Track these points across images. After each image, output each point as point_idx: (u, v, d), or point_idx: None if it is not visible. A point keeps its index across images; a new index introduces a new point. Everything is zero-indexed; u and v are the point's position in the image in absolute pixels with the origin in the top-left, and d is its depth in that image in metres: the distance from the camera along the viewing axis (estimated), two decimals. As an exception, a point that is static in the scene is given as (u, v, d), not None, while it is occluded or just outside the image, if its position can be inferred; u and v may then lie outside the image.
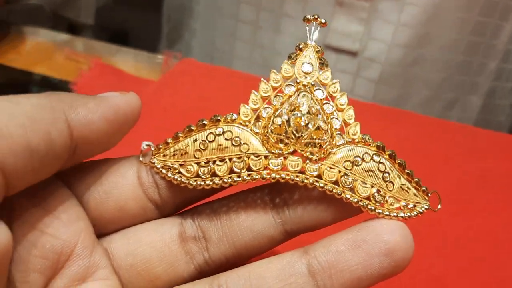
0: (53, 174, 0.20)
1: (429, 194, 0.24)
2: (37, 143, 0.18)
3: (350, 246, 0.21)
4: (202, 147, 0.23)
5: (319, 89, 0.23)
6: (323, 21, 0.24)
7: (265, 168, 0.22)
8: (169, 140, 0.23)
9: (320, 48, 0.24)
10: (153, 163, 0.23)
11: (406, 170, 0.23)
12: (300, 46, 0.24)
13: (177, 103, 0.49)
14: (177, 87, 0.52)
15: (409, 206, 0.23)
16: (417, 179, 0.23)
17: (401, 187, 0.23)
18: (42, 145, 0.18)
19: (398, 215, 0.22)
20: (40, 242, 0.20)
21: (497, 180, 0.45)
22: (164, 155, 0.23)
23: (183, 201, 0.24)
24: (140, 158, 0.23)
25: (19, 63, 0.55)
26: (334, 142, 0.23)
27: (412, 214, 0.23)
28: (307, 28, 0.24)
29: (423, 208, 0.23)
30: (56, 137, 0.19)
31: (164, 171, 0.23)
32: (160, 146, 0.23)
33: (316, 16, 0.24)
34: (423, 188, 0.23)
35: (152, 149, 0.23)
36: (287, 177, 0.22)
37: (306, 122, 0.22)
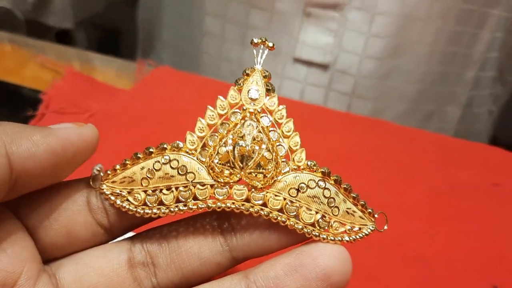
0: None
1: (376, 215, 0.24)
2: None
3: (288, 271, 0.22)
4: (149, 175, 0.23)
5: (265, 116, 0.24)
6: (270, 44, 0.24)
7: (211, 197, 0.23)
8: (117, 166, 0.24)
9: (267, 73, 0.24)
10: (102, 189, 0.23)
11: (352, 194, 0.24)
12: (247, 71, 0.24)
13: (150, 112, 0.49)
14: (150, 96, 0.51)
15: (354, 229, 0.23)
16: (363, 202, 0.24)
17: (346, 211, 0.23)
18: None
19: (343, 239, 0.23)
20: None
21: (469, 190, 0.45)
22: (113, 182, 0.23)
23: (131, 225, 0.24)
24: (91, 183, 0.24)
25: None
26: (279, 170, 0.23)
27: (357, 237, 0.23)
28: (255, 51, 0.24)
29: (369, 230, 0.24)
30: None
31: (113, 197, 0.23)
32: (109, 172, 0.24)
33: (263, 39, 0.24)
34: (369, 210, 0.24)
35: (102, 174, 0.24)
36: (232, 206, 0.23)
37: (251, 151, 0.23)
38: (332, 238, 0.23)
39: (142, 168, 0.23)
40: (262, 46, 0.24)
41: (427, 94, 0.62)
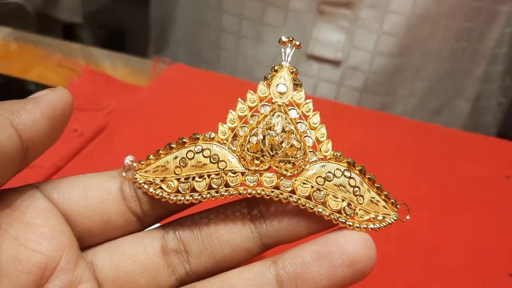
0: (8, 179, 0.21)
1: (398, 206, 0.25)
2: None
3: (316, 258, 0.22)
4: (182, 164, 0.24)
5: (293, 108, 0.25)
6: (297, 43, 0.25)
7: (241, 184, 0.24)
8: (151, 156, 0.25)
9: (294, 69, 0.25)
10: (136, 179, 0.24)
11: (375, 184, 0.25)
12: (276, 68, 0.25)
13: (166, 109, 0.50)
14: (166, 93, 0.53)
15: (378, 218, 0.24)
16: (386, 192, 0.25)
17: (371, 200, 0.24)
18: None
19: (368, 227, 0.24)
20: (25, 257, 0.21)
21: (481, 183, 0.45)
22: (146, 171, 0.24)
23: (164, 213, 0.25)
24: (123, 174, 0.24)
25: (4, 69, 0.55)
26: (307, 159, 0.24)
27: (382, 225, 0.24)
28: (282, 50, 0.25)
29: (392, 219, 0.25)
30: (7, 142, 0.20)
31: (146, 186, 0.24)
32: (142, 162, 0.25)
33: (291, 39, 0.25)
34: (392, 200, 0.25)
35: (135, 164, 0.25)
36: (262, 193, 0.24)
37: (281, 140, 0.24)
38: (358, 225, 0.24)
39: (176, 157, 0.24)
40: (289, 44, 0.25)
41: (436, 89, 0.63)
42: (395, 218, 0.25)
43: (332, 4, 0.58)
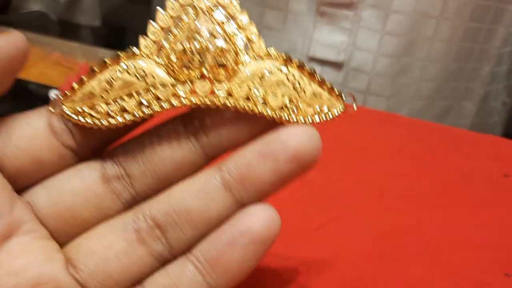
0: None
1: (344, 97, 0.24)
2: None
3: (259, 156, 0.22)
4: (108, 86, 0.23)
5: (218, 10, 0.23)
6: None
7: (173, 96, 0.22)
8: (75, 84, 0.23)
9: None
10: (63, 111, 0.23)
11: (316, 77, 0.23)
12: None
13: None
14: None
15: (324, 111, 0.23)
16: (329, 84, 0.24)
17: (313, 94, 0.23)
18: None
19: (314, 120, 0.23)
20: None
21: (480, 181, 0.45)
22: (73, 101, 0.23)
23: (100, 143, 0.24)
24: (50, 108, 0.23)
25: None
26: (239, 60, 0.23)
27: (327, 117, 0.23)
28: None
29: (338, 110, 0.23)
30: None
31: (75, 116, 0.23)
32: (67, 92, 0.23)
33: None
34: (336, 91, 0.24)
35: (61, 97, 0.23)
36: (197, 102, 0.22)
37: (208, 44, 0.22)
38: (302, 119, 0.23)
39: (100, 81, 0.23)
40: None
41: (442, 90, 0.62)
42: (341, 109, 0.24)
43: (333, 5, 0.56)
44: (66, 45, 0.59)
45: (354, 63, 0.60)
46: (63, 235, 0.23)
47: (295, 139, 0.22)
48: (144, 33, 0.23)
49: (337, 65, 0.60)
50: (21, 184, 0.23)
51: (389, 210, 0.38)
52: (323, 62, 0.60)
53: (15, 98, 0.48)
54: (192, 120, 0.23)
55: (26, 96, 0.51)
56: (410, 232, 0.39)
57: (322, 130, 0.23)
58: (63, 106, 0.23)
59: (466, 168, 0.47)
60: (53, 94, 0.23)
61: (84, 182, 0.23)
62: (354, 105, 0.24)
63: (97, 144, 0.24)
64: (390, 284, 0.35)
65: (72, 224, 0.23)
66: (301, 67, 0.23)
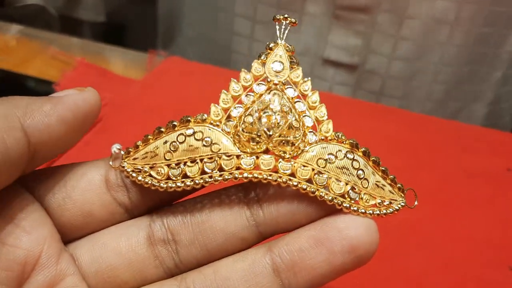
0: (12, 181, 0.20)
1: (405, 191, 0.23)
2: None
3: (314, 244, 0.21)
4: (172, 149, 0.22)
5: (290, 87, 0.23)
6: (293, 20, 0.24)
7: (237, 168, 0.22)
8: (139, 143, 0.23)
9: (290, 47, 0.24)
10: (123, 167, 0.23)
11: (380, 167, 0.23)
12: (271, 45, 0.24)
13: (162, 102, 0.49)
14: (162, 86, 0.51)
15: (385, 203, 0.23)
16: (392, 176, 0.23)
17: (376, 184, 0.23)
18: None
19: (374, 213, 0.22)
20: (3, 254, 0.19)
21: (483, 176, 0.44)
22: (135, 158, 0.23)
23: (155, 204, 0.23)
24: (110, 163, 0.23)
25: (0, 63, 0.54)
26: (306, 140, 0.22)
27: (388, 211, 0.23)
28: (277, 27, 0.24)
29: (399, 205, 0.23)
30: (13, 145, 0.18)
31: (134, 174, 0.22)
32: (130, 149, 0.23)
33: (286, 16, 0.24)
34: (399, 185, 0.23)
35: (122, 152, 0.23)
36: (259, 176, 0.22)
37: (278, 120, 0.22)
38: (363, 210, 0.22)
39: (165, 142, 0.23)
40: (284, 22, 0.24)
41: (453, 93, 0.62)
42: (403, 204, 0.23)
43: (349, 9, 0.57)
44: (63, 40, 0.59)
45: (368, 65, 0.59)
46: None
47: (352, 230, 0.21)
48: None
49: (351, 68, 0.60)
50: (68, 236, 0.22)
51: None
52: (337, 64, 0.60)
53: (15, 94, 0.49)
54: (252, 190, 0.22)
55: (27, 92, 0.52)
56: (411, 227, 0.38)
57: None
58: (124, 162, 0.23)
59: (468, 162, 0.46)
60: (115, 148, 0.23)
61: (128, 241, 0.22)
62: (416, 202, 0.23)
63: (151, 204, 0.23)
64: (391, 279, 0.34)
65: (111, 284, 0.22)
66: (366, 155, 0.23)
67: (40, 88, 0.51)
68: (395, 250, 0.36)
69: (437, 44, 0.58)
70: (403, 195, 0.23)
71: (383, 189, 0.23)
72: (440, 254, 0.37)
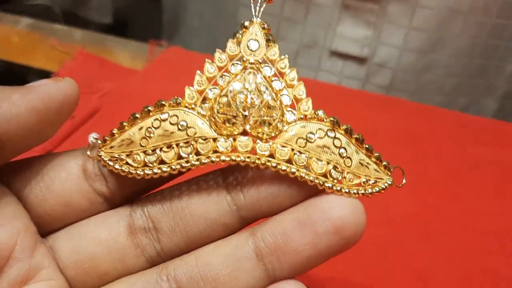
0: None
1: (391, 169, 0.22)
2: None
3: (297, 226, 0.20)
4: (147, 135, 0.22)
5: (267, 66, 0.22)
6: None
7: (214, 151, 0.21)
8: (115, 130, 0.22)
9: (266, 25, 0.23)
10: (100, 156, 0.22)
11: (364, 145, 0.22)
12: (246, 24, 0.23)
13: (162, 93, 0.48)
14: (162, 76, 0.51)
15: (370, 182, 0.22)
16: (377, 154, 0.22)
17: (360, 163, 0.22)
18: None
19: (359, 192, 0.21)
20: None
21: (487, 167, 0.44)
22: (111, 147, 0.22)
23: (133, 192, 0.23)
24: (88, 152, 0.22)
25: (2, 53, 0.54)
26: (285, 119, 0.22)
27: (374, 190, 0.22)
28: (252, 4, 0.23)
29: (386, 184, 0.22)
30: None
31: (111, 163, 0.22)
32: (106, 137, 0.22)
33: None
34: (385, 163, 0.22)
35: (99, 142, 0.22)
36: (237, 159, 0.21)
37: (254, 99, 0.21)
38: (347, 190, 0.21)
39: (141, 128, 0.22)
40: None
41: (464, 86, 0.60)
42: (389, 183, 0.22)
43: None
44: (65, 31, 0.59)
45: (378, 58, 0.57)
46: (81, 286, 0.22)
47: (337, 210, 0.20)
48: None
49: (360, 60, 0.58)
50: (47, 227, 0.22)
51: (393, 197, 0.37)
52: (345, 56, 0.58)
53: (17, 84, 0.49)
54: (231, 174, 0.22)
55: (28, 83, 0.52)
56: (415, 220, 0.37)
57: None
58: (101, 151, 0.22)
59: (475, 154, 0.45)
60: (91, 137, 0.23)
61: (109, 231, 0.22)
62: (404, 180, 0.22)
63: (129, 192, 0.23)
64: (395, 270, 0.34)
65: (91, 275, 0.22)
66: (348, 132, 0.22)
67: (41, 78, 0.52)
68: (400, 241, 0.36)
69: (450, 36, 0.55)
70: (389, 173, 0.22)
71: (368, 168, 0.22)
72: (446, 244, 0.36)
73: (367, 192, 0.21)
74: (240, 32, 0.23)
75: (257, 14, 0.23)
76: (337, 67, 0.59)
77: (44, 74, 0.51)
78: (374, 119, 0.48)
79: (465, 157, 0.44)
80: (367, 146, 0.22)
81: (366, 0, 0.55)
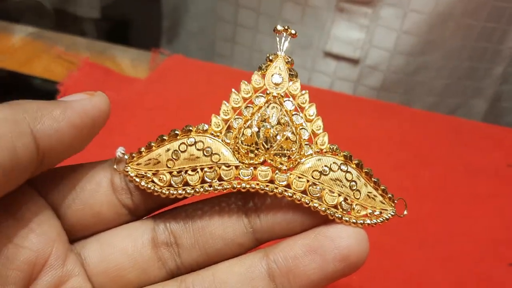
0: (21, 184, 0.20)
1: (396, 201, 0.24)
2: (1, 159, 0.18)
3: (308, 251, 0.22)
4: (174, 157, 0.23)
5: (288, 100, 0.24)
6: (293, 32, 0.25)
7: (235, 178, 0.23)
8: (142, 149, 0.24)
9: (290, 59, 0.25)
10: (127, 172, 0.24)
11: (372, 178, 0.24)
12: (270, 57, 0.25)
13: (165, 101, 0.50)
14: (165, 85, 0.52)
15: (375, 213, 0.24)
16: (383, 187, 0.24)
17: (367, 195, 0.24)
18: (7, 160, 0.18)
19: (365, 222, 0.23)
20: (14, 255, 0.20)
21: (483, 171, 0.45)
22: (138, 164, 0.24)
23: (156, 206, 0.25)
24: (114, 166, 0.24)
25: (5, 63, 0.55)
26: (302, 152, 0.24)
27: (379, 221, 0.24)
28: (277, 39, 0.25)
29: (389, 215, 0.24)
30: (22, 151, 0.19)
31: (137, 179, 0.23)
32: (133, 154, 0.24)
33: (286, 27, 0.25)
34: (389, 195, 0.24)
35: (126, 157, 0.24)
36: (257, 187, 0.23)
37: (276, 133, 0.23)
38: (354, 220, 0.23)
39: (168, 150, 0.24)
40: (284, 33, 0.25)
41: (454, 88, 0.62)
42: (392, 214, 0.24)
43: (352, 1, 0.57)
44: (68, 39, 0.60)
45: (370, 60, 0.59)
46: None
47: (345, 240, 0.22)
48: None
49: (352, 61, 0.60)
50: (77, 235, 0.24)
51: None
52: (339, 58, 0.60)
53: (20, 93, 0.49)
54: (250, 200, 0.24)
55: (32, 92, 0.53)
56: (411, 225, 0.39)
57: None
58: (127, 167, 0.24)
59: (469, 158, 0.46)
60: (119, 152, 0.24)
61: (134, 243, 0.24)
62: (405, 211, 0.25)
63: (152, 206, 0.24)
64: (391, 275, 0.35)
65: (117, 283, 0.23)
66: (359, 167, 0.24)
67: (45, 87, 0.52)
68: (395, 246, 0.37)
69: (441, 39, 0.58)
70: (393, 205, 0.24)
71: (374, 200, 0.24)
72: (440, 249, 0.37)
73: (372, 222, 0.24)
74: (265, 64, 0.25)
75: (281, 47, 0.25)
76: (331, 68, 0.61)
77: (48, 83, 0.52)
78: (369, 125, 0.49)
79: (459, 162, 0.46)
80: (375, 179, 0.24)
81: (360, 3, 0.57)
